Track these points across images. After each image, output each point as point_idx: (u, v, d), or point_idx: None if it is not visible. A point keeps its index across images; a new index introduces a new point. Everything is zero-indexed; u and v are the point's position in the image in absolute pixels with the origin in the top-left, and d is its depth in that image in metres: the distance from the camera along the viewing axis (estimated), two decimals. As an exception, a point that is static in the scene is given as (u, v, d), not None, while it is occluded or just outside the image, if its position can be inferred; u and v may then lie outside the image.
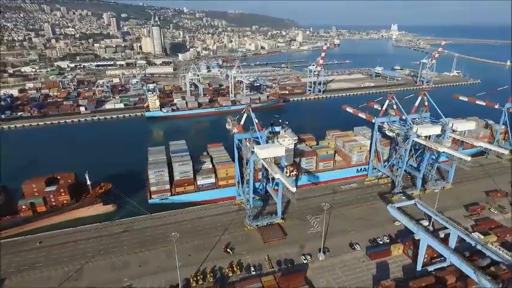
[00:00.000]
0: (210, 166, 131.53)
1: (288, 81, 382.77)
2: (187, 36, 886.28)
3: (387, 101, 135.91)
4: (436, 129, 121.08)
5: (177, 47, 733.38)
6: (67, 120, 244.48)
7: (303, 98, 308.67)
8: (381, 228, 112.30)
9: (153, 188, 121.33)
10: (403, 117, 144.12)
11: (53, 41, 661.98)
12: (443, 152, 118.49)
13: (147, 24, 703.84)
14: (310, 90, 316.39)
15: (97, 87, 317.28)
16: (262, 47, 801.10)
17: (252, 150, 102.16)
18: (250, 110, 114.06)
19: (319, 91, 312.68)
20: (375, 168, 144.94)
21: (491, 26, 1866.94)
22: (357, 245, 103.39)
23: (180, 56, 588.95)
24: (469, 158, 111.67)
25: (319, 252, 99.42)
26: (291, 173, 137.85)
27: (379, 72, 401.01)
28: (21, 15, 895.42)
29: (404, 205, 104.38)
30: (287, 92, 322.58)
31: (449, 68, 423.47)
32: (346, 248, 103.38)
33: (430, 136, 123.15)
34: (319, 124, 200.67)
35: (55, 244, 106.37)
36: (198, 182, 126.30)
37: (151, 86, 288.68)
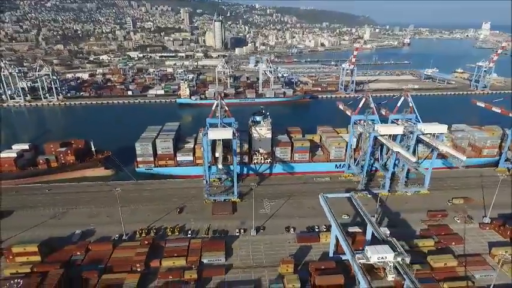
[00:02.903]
0: (192, 146, 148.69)
1: (329, 78, 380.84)
2: (251, 31, 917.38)
3: (363, 100, 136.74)
4: (398, 129, 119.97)
5: (239, 41, 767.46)
6: (114, 101, 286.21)
7: (333, 96, 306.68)
8: (326, 218, 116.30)
9: (139, 159, 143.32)
10: (387, 116, 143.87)
11: (131, 33, 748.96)
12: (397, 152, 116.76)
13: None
14: (341, 88, 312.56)
15: (148, 75, 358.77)
16: (322, 44, 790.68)
17: (206, 132, 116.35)
18: (220, 99, 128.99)
19: (352, 90, 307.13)
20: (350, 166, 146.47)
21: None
22: (292, 229, 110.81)
23: (237, 50, 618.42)
24: (414, 159, 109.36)
25: (253, 229, 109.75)
26: (265, 160, 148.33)
27: (429, 74, 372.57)
28: (113, 10, 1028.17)
29: (338, 197, 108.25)
30: (319, 88, 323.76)
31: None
32: (281, 230, 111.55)
33: (394, 136, 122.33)
34: (325, 120, 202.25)
35: (59, 193, 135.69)
36: (178, 158, 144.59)
37: (190, 76, 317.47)
